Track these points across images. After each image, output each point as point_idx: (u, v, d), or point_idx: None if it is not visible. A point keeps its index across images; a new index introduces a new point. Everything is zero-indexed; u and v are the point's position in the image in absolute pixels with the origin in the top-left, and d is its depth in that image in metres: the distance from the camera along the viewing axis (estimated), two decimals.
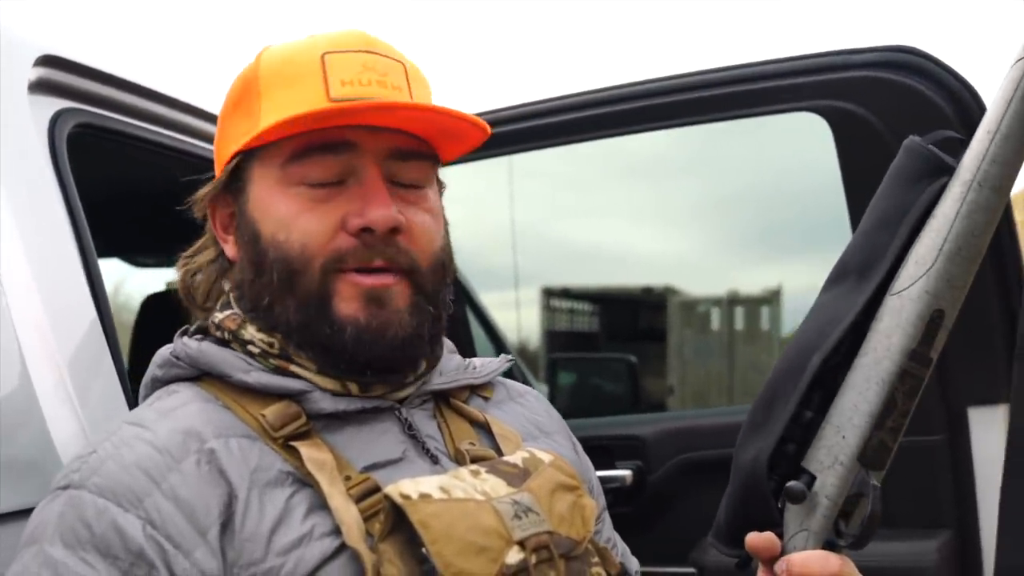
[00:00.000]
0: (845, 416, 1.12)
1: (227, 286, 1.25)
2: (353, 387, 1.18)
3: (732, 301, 11.38)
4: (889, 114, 1.98)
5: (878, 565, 1.99)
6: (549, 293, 11.10)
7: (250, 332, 1.19)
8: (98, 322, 1.48)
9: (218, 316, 1.23)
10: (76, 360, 1.41)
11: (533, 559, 1.07)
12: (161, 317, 2.44)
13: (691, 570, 2.07)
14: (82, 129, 1.61)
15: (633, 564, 1.42)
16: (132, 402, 1.44)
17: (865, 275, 1.13)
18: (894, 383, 1.10)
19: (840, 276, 1.16)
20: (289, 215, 1.16)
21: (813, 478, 1.13)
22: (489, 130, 1.22)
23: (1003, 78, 1.11)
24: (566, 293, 11.40)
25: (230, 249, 1.24)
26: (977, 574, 2.04)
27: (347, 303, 1.15)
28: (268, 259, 1.17)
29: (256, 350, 1.19)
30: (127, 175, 2.17)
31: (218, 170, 1.24)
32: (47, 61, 1.56)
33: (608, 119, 2.21)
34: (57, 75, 1.58)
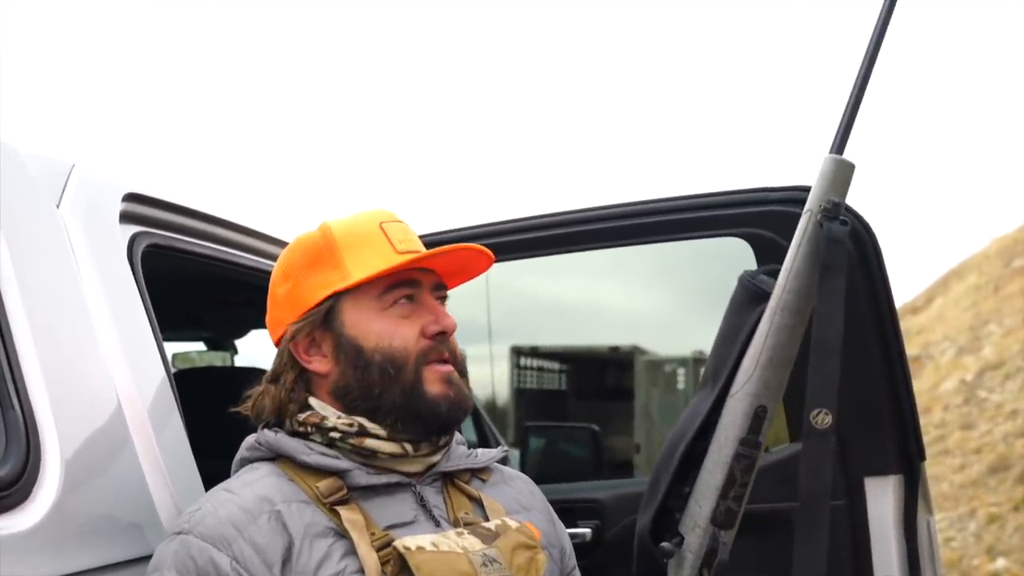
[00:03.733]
0: (700, 490, 1.56)
1: (291, 398, 1.67)
2: (409, 447, 1.62)
3: (697, 360, 11.54)
4: None
5: None
6: (518, 352, 11.32)
7: (332, 422, 1.62)
8: (168, 386, 1.88)
9: (300, 416, 1.65)
10: (158, 424, 1.80)
11: None
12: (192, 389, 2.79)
13: None
14: (151, 248, 2.02)
15: None
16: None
17: (715, 382, 1.60)
18: (732, 463, 1.54)
19: (704, 381, 1.63)
20: (389, 327, 1.62)
21: (683, 538, 1.56)
22: (494, 258, 1.71)
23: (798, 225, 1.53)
24: (535, 352, 11.65)
25: (320, 365, 1.66)
26: None
27: (433, 386, 1.62)
28: (376, 360, 1.61)
29: (337, 435, 1.62)
30: (184, 279, 2.60)
31: (299, 311, 1.66)
32: (130, 197, 1.96)
33: (572, 238, 2.57)
34: (136, 207, 1.98)
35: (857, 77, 1.57)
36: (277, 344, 1.71)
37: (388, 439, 1.63)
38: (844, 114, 1.56)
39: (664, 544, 1.58)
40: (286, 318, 1.68)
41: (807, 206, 1.54)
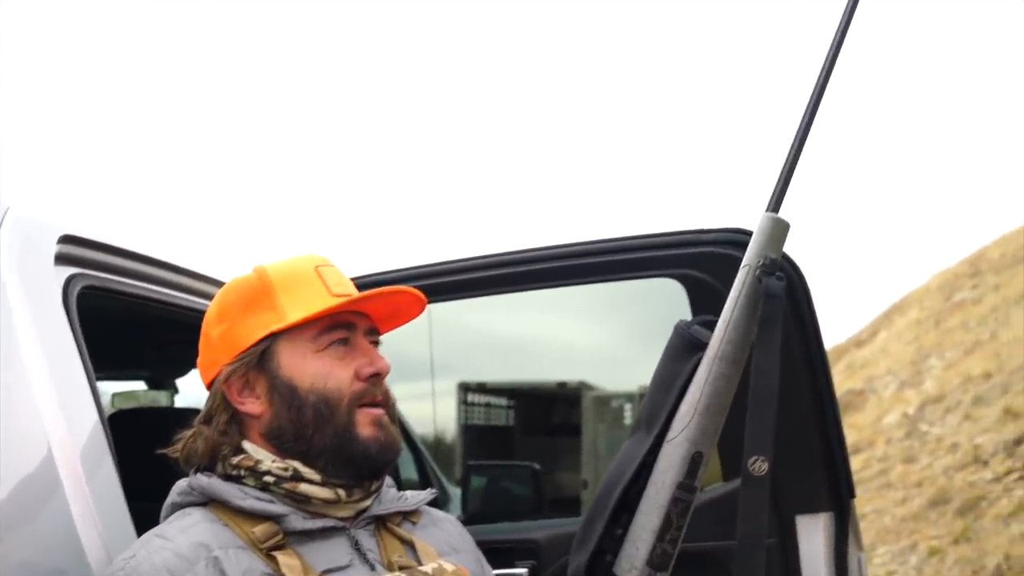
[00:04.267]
0: (637, 532, 1.58)
1: (247, 436, 1.67)
2: (342, 493, 1.63)
3: (644, 396, 11.58)
4: (728, 282, 2.38)
5: None
6: (465, 388, 11.32)
7: (267, 466, 1.63)
8: (101, 431, 1.87)
9: (233, 460, 1.65)
10: (89, 468, 1.78)
11: None
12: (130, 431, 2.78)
13: None
14: (87, 290, 2.01)
15: None
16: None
17: (650, 427, 1.64)
18: (669, 507, 1.58)
19: (637, 426, 1.67)
20: (324, 369, 1.63)
21: None
22: (427, 302, 1.73)
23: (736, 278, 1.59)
24: (482, 388, 11.63)
25: (254, 407, 1.66)
26: None
27: (365, 428, 1.63)
28: (309, 402, 1.62)
29: (271, 479, 1.62)
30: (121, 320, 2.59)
31: (234, 352, 1.67)
32: (66, 239, 1.96)
33: (508, 279, 2.59)
34: (71, 249, 1.99)
35: (794, 140, 1.62)
36: (209, 386, 1.71)
37: (322, 484, 1.63)
38: (781, 174, 1.62)
39: None
40: (220, 359, 1.68)
41: (745, 261, 1.60)
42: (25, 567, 1.59)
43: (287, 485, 1.62)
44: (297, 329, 1.65)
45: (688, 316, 2.46)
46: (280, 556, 1.55)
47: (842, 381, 13.86)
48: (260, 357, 1.65)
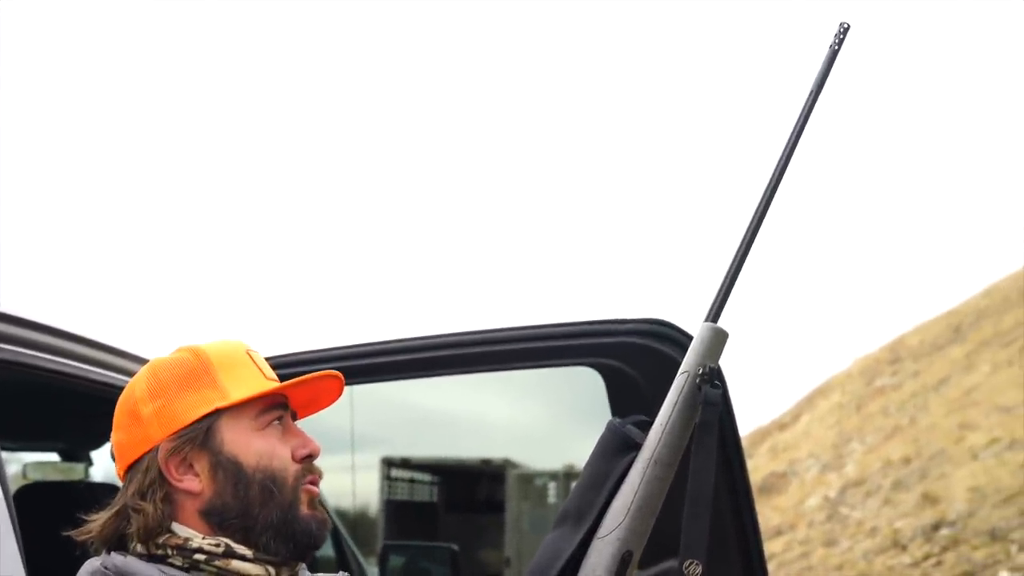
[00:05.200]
0: None
1: (177, 513, 1.63)
2: (272, 570, 1.61)
3: (568, 475, 11.64)
4: (645, 371, 2.41)
5: None
6: (389, 463, 11.27)
7: (197, 542, 1.59)
8: (6, 512, 1.83)
9: (160, 539, 1.60)
10: None
11: None
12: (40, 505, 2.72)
13: None
14: None
15: None
16: None
17: (579, 522, 1.64)
18: None
19: (562, 520, 1.67)
20: (268, 447, 1.63)
21: None
22: (343, 388, 1.74)
23: (673, 386, 1.62)
24: (406, 463, 11.60)
25: (193, 484, 1.62)
26: None
27: (305, 507, 1.63)
28: (255, 479, 1.61)
29: (203, 556, 1.58)
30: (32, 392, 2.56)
31: (171, 429, 1.63)
32: None
33: (426, 363, 2.62)
34: None
35: (736, 253, 1.66)
36: (129, 466, 1.66)
37: (254, 560, 1.61)
38: (721, 285, 1.65)
39: None
40: (154, 436, 1.64)
41: (683, 368, 1.62)
42: None
43: (219, 563, 1.59)
44: (238, 408, 1.64)
45: (606, 405, 2.50)
46: None
47: (765, 464, 13.98)
48: (204, 434, 1.64)
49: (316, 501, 1.66)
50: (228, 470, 1.63)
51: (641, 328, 2.46)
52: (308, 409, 1.76)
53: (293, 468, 1.64)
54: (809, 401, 16.14)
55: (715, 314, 1.64)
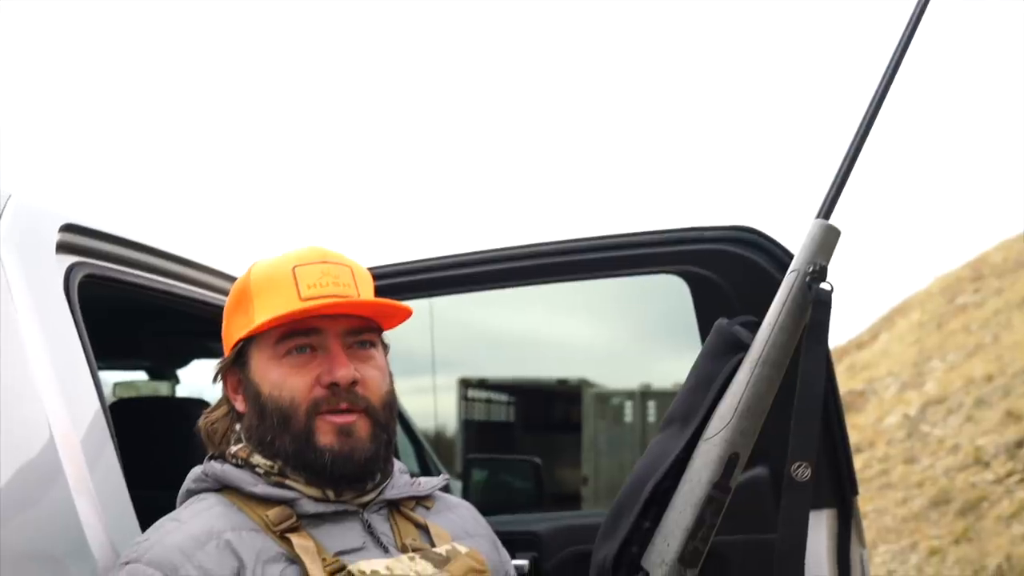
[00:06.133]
0: (669, 529, 1.56)
1: (238, 428, 1.70)
2: (330, 493, 1.63)
3: (644, 394, 11.66)
4: (732, 279, 2.39)
5: None
6: (466, 384, 11.34)
7: (256, 459, 1.65)
8: (103, 419, 1.86)
9: (232, 448, 1.68)
10: (91, 456, 1.77)
11: None
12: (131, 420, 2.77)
13: None
14: (89, 279, 2.01)
15: None
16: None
17: (686, 424, 1.60)
18: (703, 506, 1.55)
19: (669, 422, 1.63)
20: (280, 377, 1.63)
21: (647, 574, 1.57)
22: (411, 311, 1.72)
23: (782, 284, 1.57)
24: (483, 384, 11.67)
25: (239, 404, 1.70)
26: None
27: (324, 436, 1.62)
28: (268, 409, 1.63)
29: (261, 471, 1.64)
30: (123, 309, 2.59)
31: (226, 352, 1.71)
32: (68, 227, 1.96)
33: (510, 273, 2.60)
34: (73, 238, 1.98)
35: (850, 145, 1.60)
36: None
37: (307, 484, 1.64)
38: (834, 181, 1.59)
39: None
40: (225, 352, 1.73)
41: (792, 266, 1.57)
42: (27, 555, 1.59)
43: (276, 478, 1.64)
44: (264, 334, 1.66)
45: (691, 316, 2.48)
46: (294, 538, 1.57)
47: (843, 382, 13.83)
48: (236, 360, 1.69)
49: (342, 430, 1.63)
50: (252, 397, 1.67)
51: (729, 235, 2.43)
52: (391, 321, 1.74)
53: (309, 398, 1.62)
54: (888, 320, 15.92)
55: (827, 210, 1.58)
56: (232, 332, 1.70)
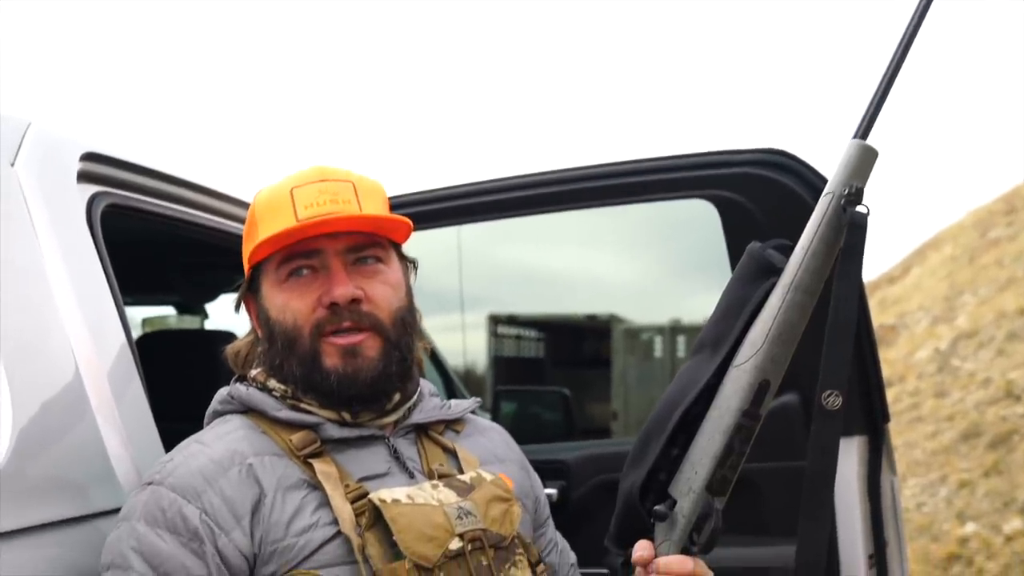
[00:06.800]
0: (697, 456, 1.52)
1: (258, 350, 1.70)
2: (346, 415, 1.62)
3: (674, 329, 11.62)
4: (763, 204, 2.34)
5: (757, 565, 2.38)
6: (495, 320, 11.34)
7: (273, 383, 1.65)
8: (128, 351, 1.86)
9: (252, 372, 1.68)
10: (117, 388, 1.78)
11: (469, 547, 1.53)
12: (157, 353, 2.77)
13: (604, 571, 2.41)
14: (111, 209, 1.99)
15: (571, 557, 1.90)
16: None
17: (716, 350, 1.55)
18: (732, 433, 1.50)
19: (699, 348, 1.58)
20: (284, 301, 1.63)
21: (675, 502, 1.54)
22: (412, 225, 1.68)
23: (816, 207, 1.52)
24: (512, 320, 11.66)
25: (258, 329, 1.69)
26: (834, 571, 2.36)
27: (329, 358, 1.60)
28: (276, 333, 1.63)
29: (277, 395, 1.64)
30: (147, 241, 2.58)
31: (246, 276, 1.71)
32: (89, 156, 1.94)
33: (536, 200, 2.57)
34: (94, 167, 1.96)
35: (889, 64, 1.52)
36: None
37: (321, 407, 1.63)
38: (872, 100, 1.51)
39: (658, 507, 1.55)
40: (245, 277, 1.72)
41: (828, 188, 1.50)
42: (56, 486, 1.59)
43: (291, 402, 1.64)
44: (269, 259, 1.65)
45: (721, 241, 2.44)
46: (316, 464, 1.56)
47: (874, 317, 13.69)
48: (249, 286, 1.70)
49: (348, 351, 1.60)
50: (263, 321, 1.67)
51: (760, 158, 2.37)
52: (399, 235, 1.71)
53: (311, 320, 1.61)
54: (919, 254, 15.79)
55: (864, 130, 1.50)
56: (246, 258, 1.70)
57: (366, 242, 1.65)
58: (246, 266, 1.69)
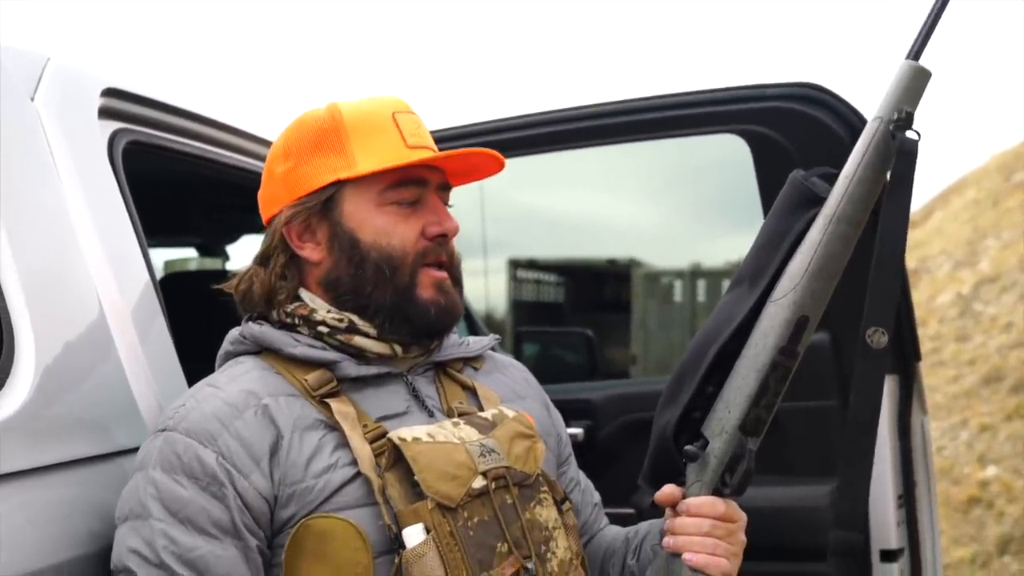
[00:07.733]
0: (731, 396, 1.47)
1: (304, 282, 1.63)
2: (398, 349, 1.59)
3: (695, 274, 11.58)
4: (796, 138, 2.30)
5: (786, 505, 2.37)
6: (516, 264, 11.29)
7: (321, 315, 1.58)
8: (152, 289, 1.83)
9: (289, 307, 1.60)
10: (141, 327, 1.76)
11: (492, 485, 1.48)
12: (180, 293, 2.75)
13: (631, 511, 2.38)
14: (132, 146, 1.96)
15: (595, 497, 1.85)
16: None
17: (754, 285, 1.49)
18: (768, 372, 1.45)
19: (737, 283, 1.53)
20: (388, 225, 1.57)
21: (707, 442, 1.50)
22: (504, 161, 1.65)
23: (863, 133, 1.45)
24: (532, 264, 11.61)
25: (313, 253, 1.60)
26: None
27: (425, 290, 1.58)
28: (372, 257, 1.56)
29: (326, 330, 1.57)
30: (169, 180, 2.55)
31: (297, 194, 1.60)
32: (110, 92, 1.91)
33: (565, 136, 2.54)
34: (115, 103, 1.93)
35: None
36: (267, 223, 1.65)
37: (377, 339, 1.58)
38: (928, 18, 1.44)
39: (689, 447, 1.51)
40: (282, 198, 1.62)
41: (876, 113, 1.43)
42: (79, 424, 1.58)
43: (341, 337, 1.57)
44: (365, 180, 1.57)
45: (744, 182, 2.40)
46: (333, 403, 1.51)
47: None
48: (324, 204, 1.59)
49: (442, 286, 1.59)
50: (344, 244, 1.58)
51: (793, 92, 2.33)
52: (463, 179, 1.69)
53: (415, 249, 1.57)
54: (943, 198, 15.66)
55: (917, 51, 1.42)
56: (316, 173, 1.60)
57: (448, 182, 1.65)
58: (316, 179, 1.59)
